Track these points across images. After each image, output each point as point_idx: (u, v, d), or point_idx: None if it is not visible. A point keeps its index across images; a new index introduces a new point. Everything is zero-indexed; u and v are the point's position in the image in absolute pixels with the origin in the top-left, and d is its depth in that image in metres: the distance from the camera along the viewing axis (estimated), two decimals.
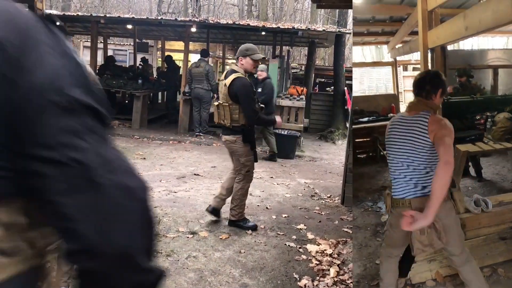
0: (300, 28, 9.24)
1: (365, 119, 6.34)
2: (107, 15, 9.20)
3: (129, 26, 10.57)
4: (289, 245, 3.64)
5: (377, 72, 9.76)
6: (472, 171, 4.87)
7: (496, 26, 2.46)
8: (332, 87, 10.87)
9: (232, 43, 14.92)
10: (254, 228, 3.92)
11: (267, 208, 4.60)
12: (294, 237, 3.83)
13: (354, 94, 9.12)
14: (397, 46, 6.65)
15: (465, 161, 3.72)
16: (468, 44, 7.45)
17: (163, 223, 3.93)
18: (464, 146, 3.67)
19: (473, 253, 2.72)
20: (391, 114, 6.53)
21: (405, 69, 11.23)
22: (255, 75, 7.59)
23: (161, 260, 3.19)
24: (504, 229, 3.15)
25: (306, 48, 12.92)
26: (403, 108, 7.91)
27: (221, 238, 3.70)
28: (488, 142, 3.94)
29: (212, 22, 9.25)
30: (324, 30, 9.41)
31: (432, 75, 2.35)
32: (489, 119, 4.29)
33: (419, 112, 2.23)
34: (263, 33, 9.92)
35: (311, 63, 11.45)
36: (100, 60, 11.72)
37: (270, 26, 9.29)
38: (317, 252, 3.53)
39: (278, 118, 4.21)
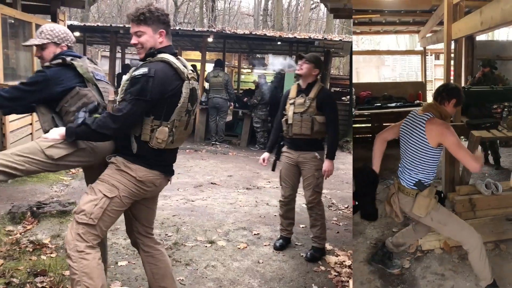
0: (316, 38, 9.26)
1: (393, 104, 6.50)
2: (126, 26, 9.35)
3: None
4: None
5: (409, 60, 9.75)
6: (491, 159, 5.23)
7: (503, 23, 2.76)
8: (348, 97, 10.84)
9: (248, 53, 15.03)
10: (276, 246, 3.74)
11: None
12: None
13: (385, 80, 9.08)
14: (427, 36, 6.69)
15: (478, 146, 4.01)
16: (503, 35, 7.46)
17: (181, 232, 3.94)
18: (478, 132, 3.87)
19: (480, 230, 3.14)
20: (418, 101, 6.61)
21: (437, 58, 11.17)
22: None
23: (180, 269, 3.21)
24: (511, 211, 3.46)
25: (322, 57, 12.92)
26: (430, 96, 7.94)
27: (239, 248, 3.70)
28: (502, 130, 4.11)
29: (229, 32, 9.34)
30: (341, 40, 9.42)
31: (452, 86, 2.67)
32: (506, 109, 4.51)
33: (425, 113, 2.58)
34: (279, 43, 9.98)
35: (326, 72, 11.42)
36: (118, 69, 11.90)
37: (287, 36, 9.33)
38: (335, 263, 3.50)
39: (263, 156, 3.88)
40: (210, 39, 9.35)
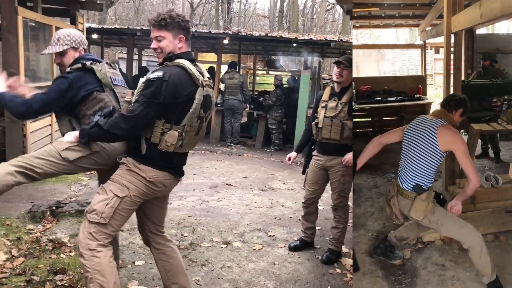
0: (332, 39, 9.23)
1: (393, 98, 6.51)
2: (143, 28, 9.46)
3: None
4: (323, 258, 3.60)
5: (408, 54, 9.69)
6: (491, 152, 5.30)
7: (503, 15, 2.80)
8: None
9: (263, 55, 15.04)
10: (290, 247, 3.79)
11: (299, 220, 4.56)
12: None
13: (385, 74, 9.09)
14: (426, 29, 6.70)
15: (478, 139, 4.08)
16: (503, 28, 7.41)
17: (197, 232, 3.97)
18: (478, 125, 3.94)
19: (480, 222, 3.33)
20: (418, 95, 6.69)
21: (437, 52, 11.08)
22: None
23: (196, 269, 3.23)
24: (511, 204, 3.49)
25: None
26: (430, 90, 7.91)
27: (254, 249, 3.71)
28: (501, 123, 4.16)
29: (245, 34, 9.37)
30: None
31: (459, 96, 2.82)
32: (505, 102, 4.53)
33: (437, 118, 2.66)
34: (294, 44, 9.98)
35: None
36: (134, 71, 12.05)
37: (303, 38, 9.32)
38: (351, 266, 3.48)
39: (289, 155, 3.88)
40: (226, 41, 9.40)
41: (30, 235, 3.55)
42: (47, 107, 2.33)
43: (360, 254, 3.29)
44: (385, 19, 6.80)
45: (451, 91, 3.86)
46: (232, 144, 9.04)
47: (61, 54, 2.44)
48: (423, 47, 7.52)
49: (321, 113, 3.47)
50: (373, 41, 10.55)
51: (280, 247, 3.81)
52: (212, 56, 13.43)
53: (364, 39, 10.52)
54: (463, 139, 2.61)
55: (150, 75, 2.12)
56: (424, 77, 7.44)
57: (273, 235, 4.08)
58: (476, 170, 2.61)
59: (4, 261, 3.02)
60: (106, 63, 2.53)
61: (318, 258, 3.62)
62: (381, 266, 3.14)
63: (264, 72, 15.94)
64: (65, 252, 3.29)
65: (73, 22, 7.01)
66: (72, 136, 2.21)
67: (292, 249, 3.74)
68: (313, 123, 3.56)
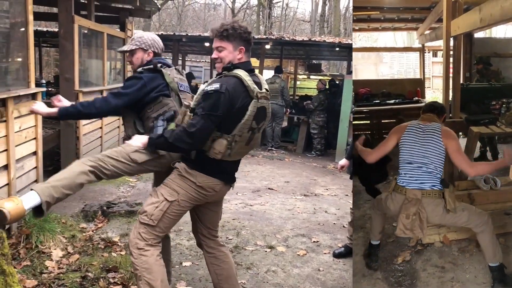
0: None
1: (392, 101, 6.48)
2: (188, 34, 9.69)
3: (207, 44, 11.04)
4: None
5: (406, 58, 9.58)
6: (489, 155, 5.20)
7: (503, 20, 2.84)
8: None
9: (304, 59, 15.02)
10: (334, 253, 3.76)
11: (344, 226, 4.52)
12: None
13: (383, 77, 9.02)
14: (425, 33, 6.62)
15: (477, 141, 4.12)
16: (501, 32, 7.24)
17: (241, 236, 4.01)
18: (477, 128, 3.96)
19: None
20: (417, 98, 6.66)
21: (435, 55, 10.87)
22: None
23: (242, 272, 3.26)
24: (510, 206, 3.48)
25: None
26: (427, 93, 7.74)
27: (298, 255, 3.70)
28: (500, 126, 4.15)
29: (288, 39, 9.40)
30: None
31: (441, 104, 3.10)
32: (504, 105, 4.54)
33: (432, 122, 2.84)
34: (337, 48, 9.90)
35: None
36: None
37: (347, 42, 9.24)
38: None
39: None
40: (268, 46, 9.46)
41: (84, 233, 3.72)
42: (122, 104, 2.41)
43: (360, 256, 3.24)
44: (384, 22, 6.75)
45: (450, 94, 4.00)
46: (273, 149, 9.07)
47: (131, 53, 2.57)
48: (422, 50, 7.42)
49: None
50: (371, 44, 10.51)
51: (325, 253, 3.78)
52: (253, 61, 13.55)
53: (362, 42, 10.49)
54: (456, 136, 2.83)
55: (208, 87, 2.14)
56: (423, 80, 7.32)
57: (317, 241, 4.05)
58: (468, 162, 2.78)
59: (61, 257, 3.17)
60: (175, 68, 2.63)
61: None
62: (381, 268, 3.10)
63: (305, 76, 15.90)
64: (116, 251, 3.41)
65: (123, 29, 7.30)
66: (140, 142, 2.29)
67: (337, 256, 3.71)
68: None
